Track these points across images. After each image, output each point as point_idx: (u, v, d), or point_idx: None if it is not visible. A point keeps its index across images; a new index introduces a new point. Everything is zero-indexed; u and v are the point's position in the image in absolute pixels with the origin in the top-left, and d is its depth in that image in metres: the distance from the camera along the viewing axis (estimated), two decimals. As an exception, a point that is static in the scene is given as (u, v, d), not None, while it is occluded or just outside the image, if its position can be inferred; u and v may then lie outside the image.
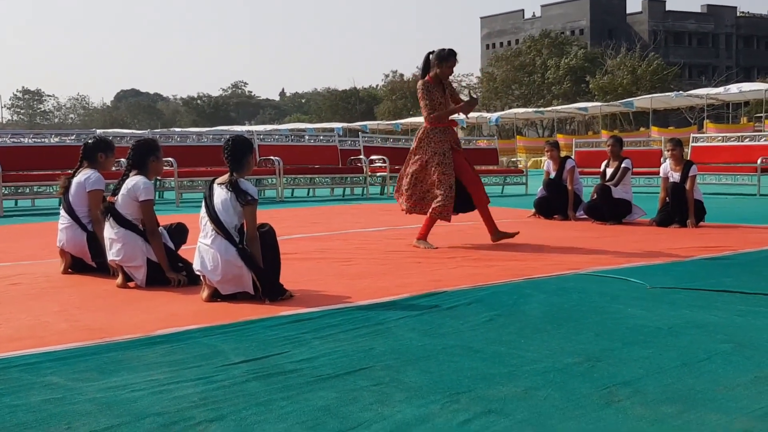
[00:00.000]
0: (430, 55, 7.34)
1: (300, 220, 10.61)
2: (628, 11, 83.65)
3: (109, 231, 5.41)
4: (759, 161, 14.94)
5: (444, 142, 7.31)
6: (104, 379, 3.20)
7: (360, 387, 3.06)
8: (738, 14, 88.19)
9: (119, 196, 5.43)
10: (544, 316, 4.34)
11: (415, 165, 7.41)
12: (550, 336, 3.87)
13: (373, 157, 16.98)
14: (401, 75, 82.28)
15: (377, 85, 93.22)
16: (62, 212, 6.05)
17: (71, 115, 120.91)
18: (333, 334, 3.95)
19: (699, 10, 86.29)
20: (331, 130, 52.89)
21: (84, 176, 5.98)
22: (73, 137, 14.20)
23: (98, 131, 22.61)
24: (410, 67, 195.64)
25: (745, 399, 2.88)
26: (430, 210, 7.28)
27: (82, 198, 5.94)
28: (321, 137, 18.38)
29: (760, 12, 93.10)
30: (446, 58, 7.28)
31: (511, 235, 7.49)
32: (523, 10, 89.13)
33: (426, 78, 7.37)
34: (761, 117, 40.06)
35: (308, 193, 17.56)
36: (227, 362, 3.43)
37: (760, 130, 33.77)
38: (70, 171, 6.32)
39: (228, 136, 5.14)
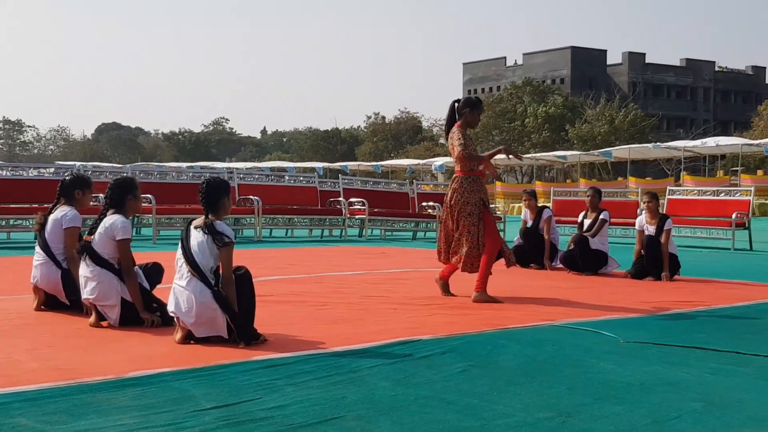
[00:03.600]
0: (456, 103, 7.14)
1: (277, 261, 10.59)
2: (608, 62, 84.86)
3: (85, 269, 5.38)
4: (734, 216, 15.09)
5: (475, 192, 7.03)
6: (73, 422, 3.17)
7: (331, 437, 3.05)
8: (716, 69, 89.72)
9: (96, 235, 5.41)
10: (517, 368, 4.35)
11: (447, 219, 7.15)
12: (523, 389, 3.87)
13: (352, 199, 17.02)
14: (383, 117, 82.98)
15: (359, 126, 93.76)
16: (37, 248, 6.01)
17: (51, 147, 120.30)
18: (306, 381, 3.93)
19: (678, 64, 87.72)
20: (313, 169, 53.01)
21: (61, 213, 5.96)
22: (51, 171, 14.17)
23: (78, 164, 22.54)
24: (392, 109, 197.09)
25: (714, 460, 2.89)
26: (461, 263, 6.99)
27: (58, 235, 5.91)
28: (301, 178, 18.38)
29: (738, 67, 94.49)
30: (477, 104, 7.11)
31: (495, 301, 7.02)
32: (505, 58, 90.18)
33: (456, 125, 7.08)
34: (737, 171, 40.66)
35: (286, 233, 17.54)
36: (198, 408, 3.40)
37: (736, 184, 34.24)
38: (47, 205, 6.30)
39: (203, 178, 5.14)
